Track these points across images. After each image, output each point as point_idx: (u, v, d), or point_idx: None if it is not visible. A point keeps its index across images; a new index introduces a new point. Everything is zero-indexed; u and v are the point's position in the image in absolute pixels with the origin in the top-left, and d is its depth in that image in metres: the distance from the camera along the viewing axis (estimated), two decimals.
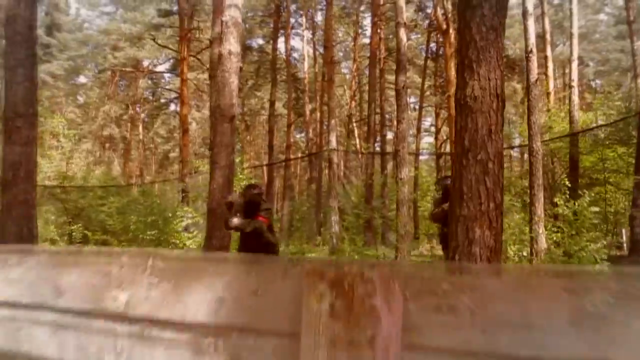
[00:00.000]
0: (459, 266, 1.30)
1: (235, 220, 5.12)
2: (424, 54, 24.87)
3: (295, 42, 29.49)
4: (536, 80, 9.75)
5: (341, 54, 32.44)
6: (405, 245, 10.86)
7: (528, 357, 0.74)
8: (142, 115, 33.07)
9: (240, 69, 7.89)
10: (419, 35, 25.58)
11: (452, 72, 17.32)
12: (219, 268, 0.94)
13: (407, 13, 22.68)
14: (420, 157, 24.90)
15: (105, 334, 0.95)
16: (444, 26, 17.79)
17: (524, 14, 9.97)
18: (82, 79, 32.49)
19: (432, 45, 24.51)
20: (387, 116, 22.53)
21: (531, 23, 9.85)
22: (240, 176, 11.70)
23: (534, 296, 0.76)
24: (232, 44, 7.62)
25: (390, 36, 25.79)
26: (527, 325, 0.75)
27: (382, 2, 21.29)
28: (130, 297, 0.98)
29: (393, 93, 24.26)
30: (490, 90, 4.71)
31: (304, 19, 27.25)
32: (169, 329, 0.95)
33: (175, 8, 25.41)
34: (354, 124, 28.34)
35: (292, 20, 27.03)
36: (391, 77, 27.46)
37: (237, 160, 10.98)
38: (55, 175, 20.50)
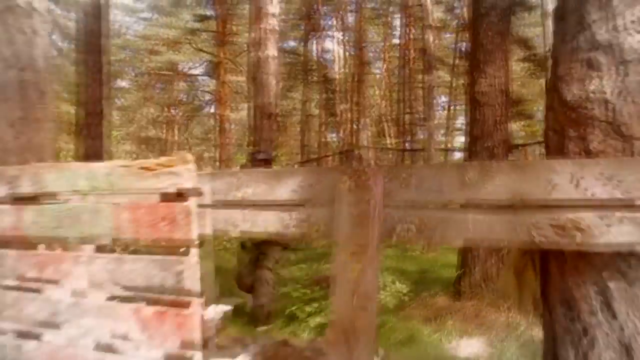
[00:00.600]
0: (411, 165, 2.00)
1: None
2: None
3: (326, 44, 30.40)
4: None
5: (372, 54, 33.15)
6: None
7: (440, 201, 1.63)
8: (178, 117, 34.48)
9: None
10: (449, 35, 26.14)
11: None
12: (293, 173, 1.85)
13: (437, 13, 23.39)
14: (452, 155, 25.46)
15: (237, 209, 1.88)
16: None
17: (544, 14, 10.69)
18: (121, 83, 34.10)
19: (463, 44, 25.03)
20: (417, 115, 23.20)
21: (550, 24, 10.50)
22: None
23: (445, 176, 1.65)
24: (270, 49, 8.59)
25: (421, 36, 26.49)
26: (440, 189, 1.64)
27: (410, 4, 22.00)
28: (245, 194, 1.91)
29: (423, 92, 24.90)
30: (496, 87, 5.55)
31: (335, 21, 28.13)
32: (268, 207, 1.88)
33: (209, 13, 26.68)
34: (385, 123, 29.09)
35: (324, 22, 27.97)
36: (422, 77, 28.06)
37: (274, 154, 11.88)
38: None
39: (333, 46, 28.88)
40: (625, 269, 1.50)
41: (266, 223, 1.89)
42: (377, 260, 1.70)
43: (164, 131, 34.31)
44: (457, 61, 24.54)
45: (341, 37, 28.69)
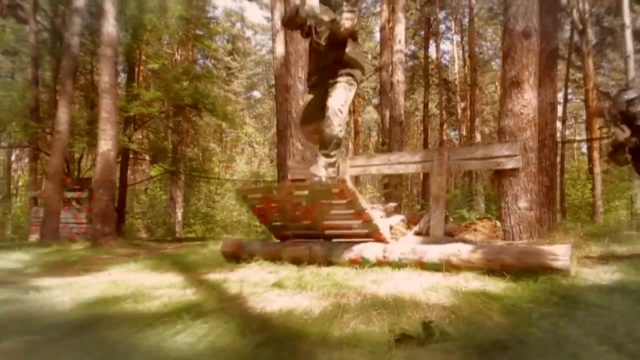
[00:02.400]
0: (456, 146, 6.02)
1: (307, 8, 4.16)
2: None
3: (445, 47, 34.07)
4: (634, 78, 13.57)
5: (492, 52, 36.18)
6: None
7: (463, 157, 5.94)
8: None
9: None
10: (561, 33, 28.63)
11: (591, 68, 20.82)
12: (420, 151, 6.21)
13: None
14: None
15: (401, 165, 6.32)
16: (580, 26, 21.30)
17: (622, 26, 13.82)
18: (256, 94, 40.42)
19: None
20: None
21: (628, 34, 13.63)
22: None
23: (466, 150, 5.93)
24: (399, 75, 12.91)
25: None
26: (463, 155, 5.95)
27: None
28: (403, 159, 6.35)
29: None
30: (546, 100, 9.35)
31: (453, 24, 31.77)
32: (411, 163, 6.31)
33: None
34: None
35: (442, 26, 31.79)
36: None
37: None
38: (250, 174, 27.43)
39: (452, 47, 32.53)
40: (514, 174, 5.66)
41: (410, 168, 6.26)
42: (445, 175, 5.97)
43: None
44: (572, 55, 27.07)
45: (459, 39, 32.26)
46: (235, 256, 5.94)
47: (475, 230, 5.78)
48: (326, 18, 4.11)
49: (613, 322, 2.44)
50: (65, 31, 14.69)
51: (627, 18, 13.62)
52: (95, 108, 17.55)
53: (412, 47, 33.98)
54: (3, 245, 12.04)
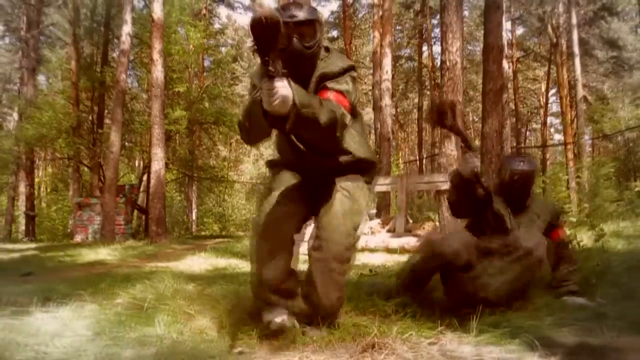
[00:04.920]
0: (411, 174, 9.52)
1: (282, 89, 2.01)
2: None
3: (438, 49, 37.70)
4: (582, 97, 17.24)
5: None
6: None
7: (415, 182, 9.76)
8: None
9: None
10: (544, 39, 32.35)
11: (565, 77, 24.50)
12: (388, 176, 10.01)
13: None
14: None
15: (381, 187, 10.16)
16: (554, 39, 24.93)
17: (572, 53, 17.48)
18: None
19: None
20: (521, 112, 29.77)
21: (577, 61, 17.26)
22: (394, 169, 20.70)
23: (413, 177, 9.75)
24: (386, 100, 16.64)
25: (528, 36, 33.45)
26: (415, 179, 9.78)
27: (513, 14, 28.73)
28: (383, 182, 10.20)
29: (532, 88, 31.81)
30: (493, 128, 13.05)
31: None
32: (385, 185, 10.15)
33: (335, 34, 35.40)
34: None
35: (437, 30, 35.48)
36: (530, 74, 34.72)
37: (392, 159, 19.74)
38: (257, 176, 31.14)
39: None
40: (446, 193, 9.44)
41: (384, 188, 10.03)
42: (406, 192, 9.73)
43: None
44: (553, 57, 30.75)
45: None
46: None
47: (424, 228, 9.56)
48: (323, 116, 2.24)
49: None
50: (102, 62, 18.54)
51: (575, 47, 17.31)
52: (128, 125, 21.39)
53: (408, 51, 37.73)
54: (59, 245, 15.86)
